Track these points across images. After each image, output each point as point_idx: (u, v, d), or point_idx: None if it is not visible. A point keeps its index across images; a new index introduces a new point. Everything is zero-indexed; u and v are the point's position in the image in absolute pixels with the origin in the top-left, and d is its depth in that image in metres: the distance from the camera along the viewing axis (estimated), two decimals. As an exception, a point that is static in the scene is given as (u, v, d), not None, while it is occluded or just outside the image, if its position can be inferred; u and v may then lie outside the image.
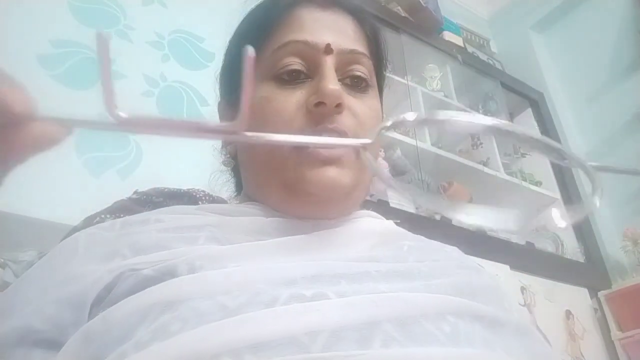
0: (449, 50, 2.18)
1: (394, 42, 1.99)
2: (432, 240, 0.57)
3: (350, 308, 0.35)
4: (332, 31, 0.52)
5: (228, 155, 0.61)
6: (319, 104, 0.47)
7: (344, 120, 0.48)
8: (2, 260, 0.67)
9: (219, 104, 0.62)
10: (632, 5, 2.32)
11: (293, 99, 0.49)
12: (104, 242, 0.43)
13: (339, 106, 0.47)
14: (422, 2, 2.03)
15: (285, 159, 0.48)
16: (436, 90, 2.08)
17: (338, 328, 0.33)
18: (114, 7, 1.56)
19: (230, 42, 0.60)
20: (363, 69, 0.53)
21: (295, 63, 0.50)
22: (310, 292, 0.36)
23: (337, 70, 0.51)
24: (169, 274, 0.38)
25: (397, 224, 0.62)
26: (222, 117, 0.61)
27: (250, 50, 0.26)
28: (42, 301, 0.38)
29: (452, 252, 0.55)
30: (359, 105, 0.51)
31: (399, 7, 2.03)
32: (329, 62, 0.50)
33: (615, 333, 1.82)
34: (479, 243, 1.66)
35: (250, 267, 0.39)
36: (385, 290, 0.38)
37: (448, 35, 2.24)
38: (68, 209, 1.08)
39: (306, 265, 0.40)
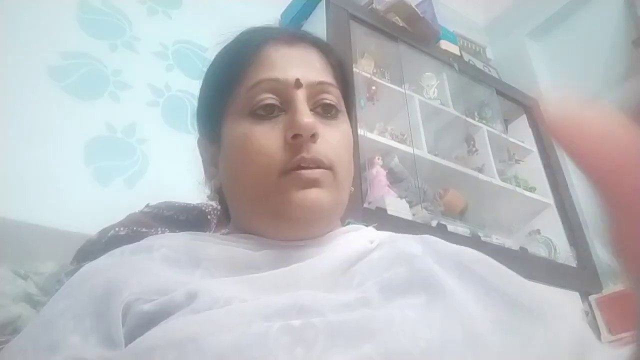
0: (446, 59, 2.22)
1: (392, 51, 2.03)
2: (399, 239, 0.59)
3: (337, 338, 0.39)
4: (300, 66, 0.57)
5: (212, 190, 0.65)
6: (296, 136, 0.52)
7: (319, 148, 0.53)
8: (24, 272, 0.71)
9: (199, 140, 0.65)
10: (625, 15, 2.38)
11: (272, 134, 0.53)
12: (116, 272, 0.48)
13: (313, 136, 0.52)
14: (419, 12, 2.08)
15: (270, 189, 0.52)
16: (433, 98, 2.13)
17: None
18: (121, 18, 1.60)
19: (204, 82, 0.64)
20: (331, 97, 0.58)
21: (269, 98, 0.55)
22: (298, 323, 0.40)
23: (308, 100, 0.55)
24: (169, 306, 0.43)
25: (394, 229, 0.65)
26: (202, 154, 0.65)
27: None
28: (84, 335, 0.43)
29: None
30: (331, 132, 0.56)
31: (397, 17, 2.07)
32: (300, 96, 0.54)
33: (606, 336, 1.87)
34: (473, 249, 1.71)
35: (244, 304, 0.44)
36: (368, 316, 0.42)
37: (445, 44, 2.29)
38: (79, 218, 1.12)
39: (295, 300, 0.44)
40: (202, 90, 0.65)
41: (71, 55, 1.44)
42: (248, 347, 0.38)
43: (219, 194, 0.64)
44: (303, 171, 0.51)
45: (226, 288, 0.46)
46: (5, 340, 0.64)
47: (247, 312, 0.42)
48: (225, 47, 0.62)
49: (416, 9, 2.09)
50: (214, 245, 0.54)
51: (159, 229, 0.79)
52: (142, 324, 0.42)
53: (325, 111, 0.57)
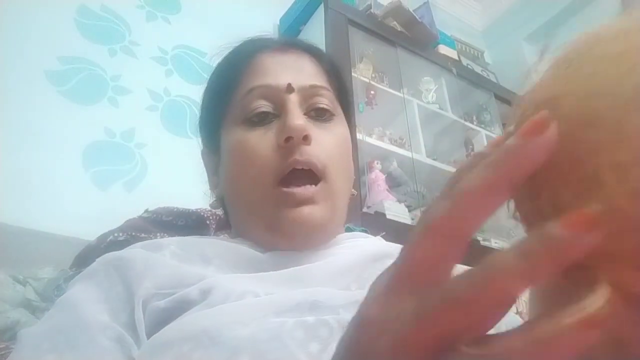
0: (444, 64, 2.23)
1: (391, 56, 2.04)
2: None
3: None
4: (292, 71, 0.58)
5: (215, 199, 0.64)
6: (288, 139, 0.52)
7: (312, 151, 0.53)
8: (22, 277, 0.71)
9: (202, 151, 0.66)
10: (622, 19, 2.39)
11: (265, 139, 0.54)
12: (131, 268, 0.48)
13: (305, 138, 0.52)
14: (417, 17, 2.09)
15: (264, 201, 0.52)
16: (431, 102, 2.13)
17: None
18: (120, 23, 1.60)
19: (204, 93, 0.65)
20: (325, 100, 0.58)
21: (263, 105, 0.55)
22: (312, 320, 0.40)
23: (301, 105, 0.56)
24: (184, 302, 0.43)
25: (383, 236, 0.66)
26: (206, 164, 0.65)
27: None
28: (113, 324, 0.43)
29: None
30: (325, 135, 0.56)
31: (395, 22, 2.08)
32: (293, 100, 0.55)
33: (605, 340, 1.87)
34: (472, 251, 1.71)
35: (258, 298, 0.44)
36: None
37: (443, 49, 2.30)
38: (78, 223, 1.12)
39: (309, 296, 0.44)
40: (202, 101, 0.65)
41: (70, 60, 1.44)
42: (263, 341, 0.37)
43: (222, 202, 0.64)
44: (296, 190, 0.51)
45: (239, 283, 0.45)
46: (5, 347, 0.64)
47: (261, 306, 0.42)
48: (222, 58, 0.63)
49: (414, 14, 2.10)
50: (221, 245, 0.53)
51: (158, 234, 0.79)
52: (158, 321, 0.42)
53: (318, 115, 0.57)
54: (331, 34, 1.79)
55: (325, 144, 0.55)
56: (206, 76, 1.85)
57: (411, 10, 2.10)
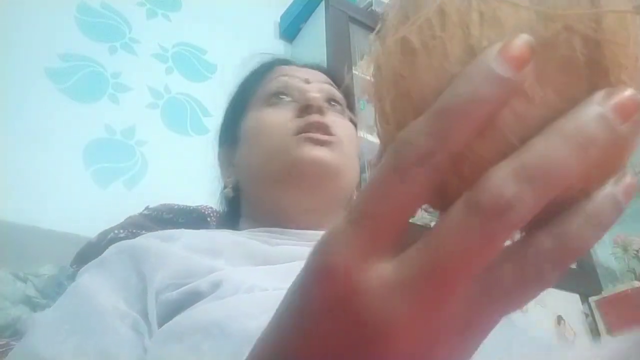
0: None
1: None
2: None
3: None
4: (309, 75, 0.67)
5: (229, 187, 0.67)
6: (306, 108, 0.59)
7: (329, 121, 0.60)
8: (23, 274, 0.71)
9: (219, 153, 0.72)
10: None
11: (282, 112, 0.61)
12: (146, 260, 0.48)
13: (321, 110, 0.59)
14: (418, 14, 2.08)
15: (286, 142, 0.58)
16: (432, 100, 2.13)
17: None
18: (120, 20, 1.60)
19: (229, 98, 0.73)
20: (337, 96, 0.66)
21: (281, 92, 0.64)
22: None
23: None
24: (194, 294, 0.43)
25: None
26: (222, 165, 0.70)
27: None
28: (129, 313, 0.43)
29: None
30: (339, 118, 0.63)
31: (396, 19, 2.08)
32: (310, 88, 0.63)
33: (606, 337, 1.87)
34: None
35: (266, 292, 0.44)
36: None
37: (444, 46, 2.29)
38: (78, 220, 1.12)
39: None
40: (227, 105, 0.74)
41: (70, 57, 1.44)
42: None
43: (235, 191, 0.67)
44: (314, 134, 0.57)
45: (248, 276, 0.46)
46: (5, 344, 0.64)
47: (270, 300, 0.42)
48: (246, 74, 0.74)
49: (415, 11, 2.09)
50: (230, 238, 0.55)
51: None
52: (169, 312, 0.43)
53: (332, 106, 0.65)
54: (332, 31, 1.78)
55: (338, 123, 0.61)
56: (207, 74, 1.85)
57: (412, 7, 2.09)
